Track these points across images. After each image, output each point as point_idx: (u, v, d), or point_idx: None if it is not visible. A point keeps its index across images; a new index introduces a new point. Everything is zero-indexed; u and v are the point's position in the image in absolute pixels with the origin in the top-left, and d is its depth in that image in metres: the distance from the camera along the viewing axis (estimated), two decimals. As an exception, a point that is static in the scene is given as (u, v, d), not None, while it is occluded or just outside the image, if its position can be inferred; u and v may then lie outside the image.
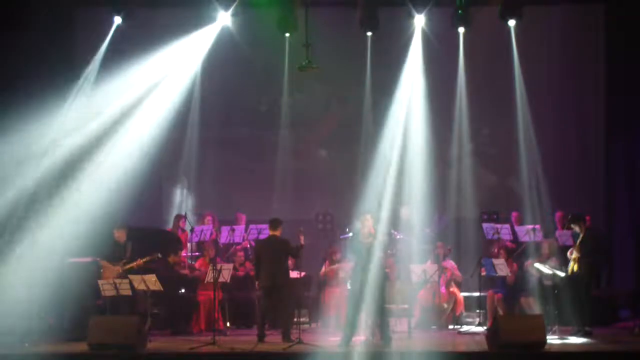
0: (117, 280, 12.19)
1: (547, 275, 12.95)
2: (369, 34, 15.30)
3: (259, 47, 15.47)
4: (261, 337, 12.07)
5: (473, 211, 15.24)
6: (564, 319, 12.61)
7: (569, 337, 12.08)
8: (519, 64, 15.11)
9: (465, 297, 13.92)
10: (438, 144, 15.08)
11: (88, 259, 12.85)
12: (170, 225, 14.83)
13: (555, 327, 12.49)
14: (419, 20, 15.01)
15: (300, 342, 11.68)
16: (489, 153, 15.95)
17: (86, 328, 11.24)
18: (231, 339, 12.31)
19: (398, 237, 13.65)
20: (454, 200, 15.40)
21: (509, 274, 13.16)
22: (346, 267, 12.96)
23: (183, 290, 13.53)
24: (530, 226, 13.81)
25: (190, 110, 15.61)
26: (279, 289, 12.06)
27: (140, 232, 13.53)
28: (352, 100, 15.91)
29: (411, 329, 12.55)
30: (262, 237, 13.69)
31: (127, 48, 14.88)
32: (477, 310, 13.82)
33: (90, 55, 14.99)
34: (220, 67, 15.51)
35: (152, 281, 12.04)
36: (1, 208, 13.25)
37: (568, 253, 12.73)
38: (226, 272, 12.23)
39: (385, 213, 12.65)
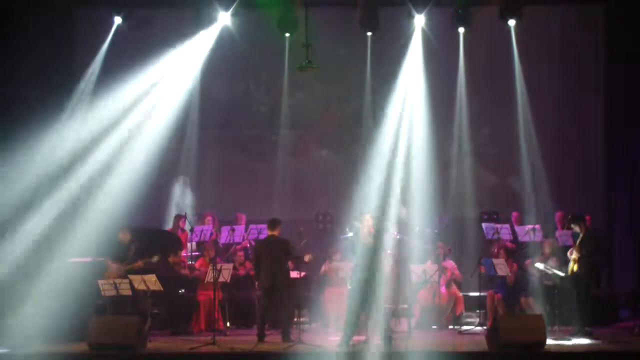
0: (117, 280, 12.19)
1: (547, 275, 12.95)
2: (369, 34, 15.32)
3: (259, 47, 15.48)
4: (261, 337, 12.08)
5: (473, 211, 15.25)
6: (564, 319, 12.62)
7: (569, 337, 12.07)
8: (519, 63, 15.13)
9: (465, 297, 13.92)
10: (438, 144, 15.07)
11: (88, 259, 12.84)
12: (170, 226, 14.82)
13: (555, 327, 12.51)
14: (419, 20, 15.02)
15: (300, 342, 11.68)
16: (489, 153, 15.96)
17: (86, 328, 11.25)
18: (231, 339, 12.31)
19: (398, 237, 13.65)
20: (454, 200, 15.41)
21: (509, 274, 13.16)
22: (346, 267, 12.96)
23: (183, 290, 13.52)
24: (530, 226, 13.80)
25: (190, 110, 15.60)
26: (279, 289, 12.06)
27: (140, 232, 13.52)
28: (352, 100, 15.92)
29: (411, 329, 12.56)
30: (262, 237, 13.71)
31: (127, 48, 14.89)
32: (477, 310, 13.83)
33: (91, 56, 15.01)
34: (220, 67, 15.51)
35: (152, 281, 12.04)
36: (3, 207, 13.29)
37: (568, 253, 12.72)
38: (226, 272, 12.23)
39: (385, 213, 12.66)
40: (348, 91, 15.98)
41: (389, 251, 12.45)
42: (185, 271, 13.64)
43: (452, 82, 15.39)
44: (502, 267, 13.00)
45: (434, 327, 13.30)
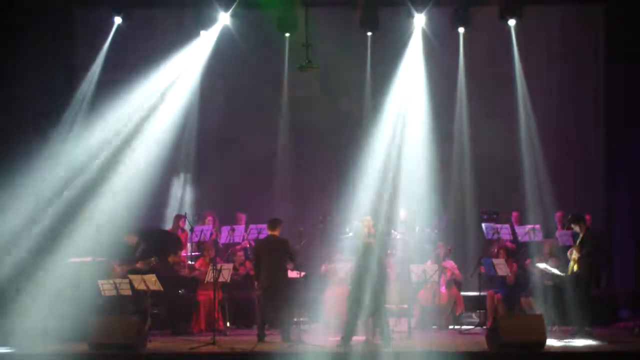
0: (117, 280, 12.19)
1: (547, 275, 12.95)
2: (369, 34, 15.33)
3: (259, 47, 15.48)
4: (261, 337, 12.08)
5: (473, 211, 15.25)
6: (564, 319, 12.61)
7: (569, 337, 12.07)
8: (519, 63, 15.13)
9: (465, 297, 13.92)
10: (438, 144, 15.07)
11: (88, 259, 12.84)
12: (170, 225, 14.82)
13: (555, 327, 12.51)
14: (419, 20, 15.02)
15: (300, 342, 11.68)
16: (488, 153, 15.94)
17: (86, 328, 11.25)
18: (231, 339, 12.31)
19: (398, 237, 13.65)
20: (454, 200, 15.41)
21: (509, 274, 13.16)
22: (346, 267, 12.96)
23: (183, 290, 13.52)
24: (530, 226, 13.81)
25: (190, 110, 15.60)
26: (279, 288, 12.05)
27: (140, 232, 13.53)
28: (352, 100, 15.91)
29: (411, 329, 12.55)
30: (262, 237, 13.71)
31: (127, 48, 14.89)
32: (477, 310, 13.83)
33: (91, 56, 15.02)
34: (220, 67, 15.51)
35: (152, 281, 12.04)
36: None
37: (568, 253, 12.72)
38: (226, 272, 12.23)
39: (385, 213, 12.66)
40: (348, 91, 15.97)
41: (389, 251, 12.46)
42: (185, 271, 13.64)
43: (452, 82, 15.39)
44: (502, 267, 13.00)
45: (434, 327, 13.30)
